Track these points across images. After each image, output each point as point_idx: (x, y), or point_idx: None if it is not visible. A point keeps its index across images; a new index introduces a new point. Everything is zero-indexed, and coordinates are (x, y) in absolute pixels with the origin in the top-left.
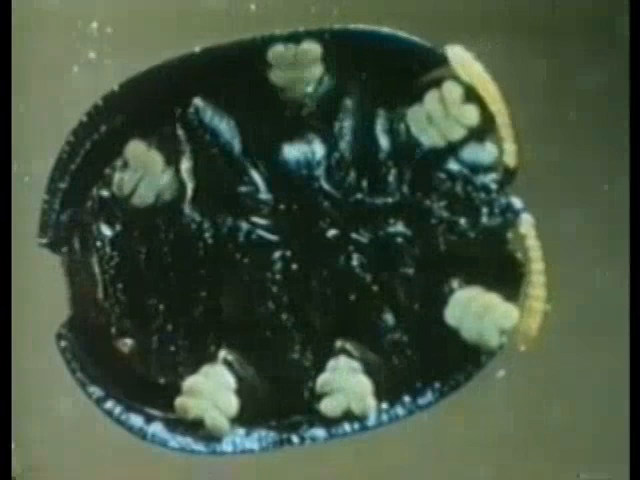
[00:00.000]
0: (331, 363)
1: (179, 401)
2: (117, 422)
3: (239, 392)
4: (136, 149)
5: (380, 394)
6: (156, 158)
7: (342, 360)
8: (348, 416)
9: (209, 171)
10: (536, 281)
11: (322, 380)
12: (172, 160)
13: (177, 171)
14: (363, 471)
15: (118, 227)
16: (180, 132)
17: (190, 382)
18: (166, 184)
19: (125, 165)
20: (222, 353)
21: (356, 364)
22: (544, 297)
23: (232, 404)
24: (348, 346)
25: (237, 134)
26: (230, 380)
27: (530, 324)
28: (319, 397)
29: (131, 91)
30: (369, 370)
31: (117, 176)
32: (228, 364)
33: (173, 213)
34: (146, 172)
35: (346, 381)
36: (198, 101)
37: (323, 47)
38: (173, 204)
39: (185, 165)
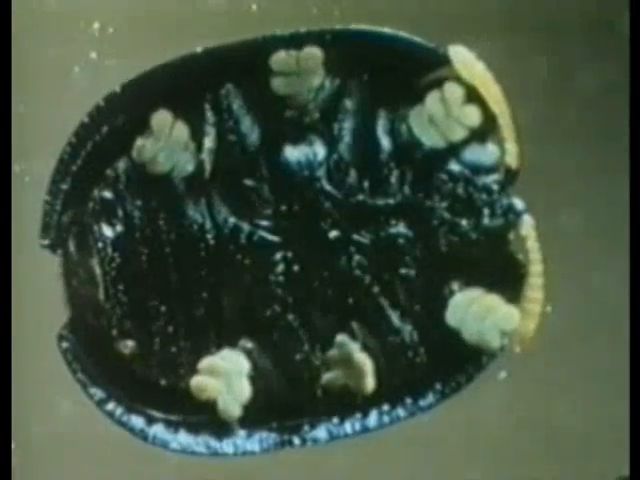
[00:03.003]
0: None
1: (195, 380)
2: (118, 423)
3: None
4: (162, 118)
5: (381, 395)
6: (182, 130)
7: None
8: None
9: (224, 156)
10: (534, 283)
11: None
12: (197, 137)
13: (199, 149)
14: (364, 471)
15: (119, 228)
16: (209, 113)
17: (207, 362)
18: (186, 158)
19: (149, 132)
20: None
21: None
22: (542, 300)
23: (245, 389)
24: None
25: (256, 129)
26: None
27: (527, 326)
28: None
29: (133, 92)
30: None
31: (139, 142)
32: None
33: (186, 187)
34: (168, 142)
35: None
36: (230, 87)
37: (324, 50)
38: (187, 180)
39: (208, 145)
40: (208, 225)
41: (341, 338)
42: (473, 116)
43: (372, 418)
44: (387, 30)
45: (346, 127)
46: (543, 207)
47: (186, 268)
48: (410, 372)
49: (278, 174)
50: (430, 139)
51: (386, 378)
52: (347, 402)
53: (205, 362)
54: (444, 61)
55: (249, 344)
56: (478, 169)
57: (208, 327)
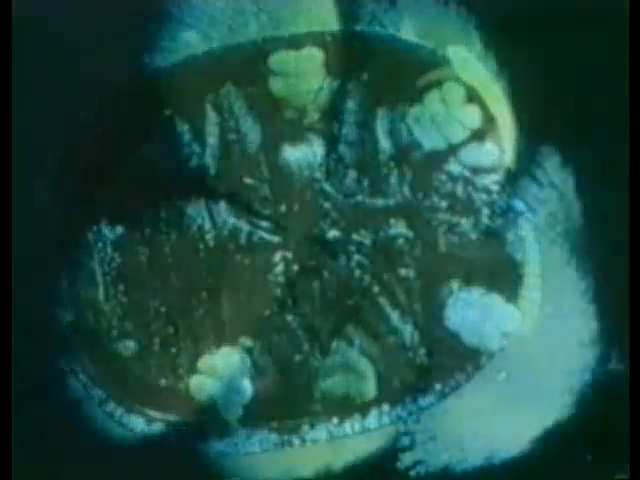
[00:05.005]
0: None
1: (195, 380)
2: (118, 424)
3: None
4: (164, 118)
5: (380, 396)
6: (182, 130)
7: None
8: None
9: (224, 156)
10: (532, 284)
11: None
12: (197, 137)
13: (199, 148)
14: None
15: (119, 228)
16: (210, 113)
17: (207, 362)
18: (186, 158)
19: (149, 132)
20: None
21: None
22: (540, 300)
23: (245, 389)
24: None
25: (255, 129)
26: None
27: (525, 326)
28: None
29: (134, 91)
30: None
31: (139, 142)
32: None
33: (186, 187)
34: (169, 142)
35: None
36: (230, 87)
37: (324, 51)
38: (187, 180)
39: (208, 145)
40: (207, 225)
41: (340, 337)
42: (473, 116)
43: (372, 418)
44: (387, 31)
45: (345, 127)
46: (542, 207)
47: (185, 268)
48: (410, 372)
49: (277, 174)
50: (430, 139)
51: (386, 378)
52: (347, 404)
53: (205, 362)
54: (443, 61)
55: (249, 344)
56: (478, 169)
57: (208, 327)
